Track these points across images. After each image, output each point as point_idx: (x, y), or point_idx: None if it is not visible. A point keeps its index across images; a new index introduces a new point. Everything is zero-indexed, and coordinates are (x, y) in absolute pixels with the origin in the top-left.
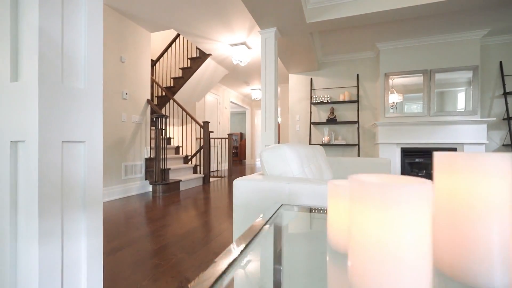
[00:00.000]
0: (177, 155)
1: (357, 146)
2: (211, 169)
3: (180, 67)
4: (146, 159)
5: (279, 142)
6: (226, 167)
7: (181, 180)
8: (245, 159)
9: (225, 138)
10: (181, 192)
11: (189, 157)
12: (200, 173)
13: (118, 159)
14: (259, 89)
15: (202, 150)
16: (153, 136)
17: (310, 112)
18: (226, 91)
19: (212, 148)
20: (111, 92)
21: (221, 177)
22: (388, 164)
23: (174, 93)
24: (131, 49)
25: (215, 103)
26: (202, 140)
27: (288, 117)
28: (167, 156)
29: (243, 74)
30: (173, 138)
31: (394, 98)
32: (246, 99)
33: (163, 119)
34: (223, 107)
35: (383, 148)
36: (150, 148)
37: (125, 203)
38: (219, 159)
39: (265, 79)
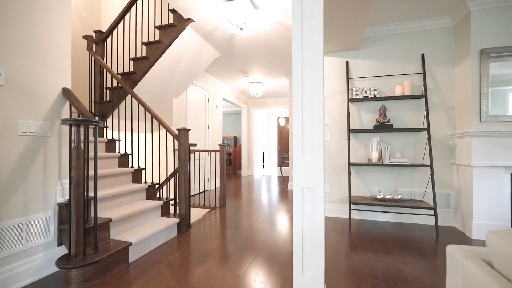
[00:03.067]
0: (135, 186)
1: (429, 168)
2: (194, 191)
3: (144, 41)
4: (61, 207)
5: (284, 158)
6: (217, 185)
7: (130, 244)
8: (240, 169)
9: (215, 151)
10: (131, 267)
11: (157, 186)
12: (174, 215)
13: None
14: (260, 82)
15: (177, 175)
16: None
17: (348, 113)
18: (216, 85)
19: (196, 162)
20: None
21: (209, 207)
22: None
23: (135, 82)
24: None
25: (202, 101)
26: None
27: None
28: (115, 190)
29: (242, 58)
30: (132, 155)
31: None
32: (242, 96)
33: (97, 127)
34: (213, 106)
35: (479, 173)
36: (71, 184)
37: None
38: (207, 175)
39: (301, 52)
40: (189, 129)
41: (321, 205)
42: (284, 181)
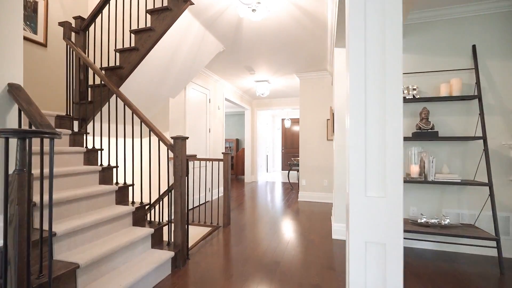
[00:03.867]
0: (119, 210)
1: (484, 186)
2: (194, 204)
3: (132, 29)
4: None
5: (292, 165)
6: (220, 194)
7: None
8: (243, 174)
9: (218, 160)
10: None
11: (148, 206)
12: (168, 245)
13: None
14: (266, 81)
15: (172, 193)
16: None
17: None
18: (219, 84)
19: (196, 170)
20: None
21: (211, 226)
22: None
23: (122, 78)
24: None
25: (203, 101)
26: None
27: (325, 126)
28: (90, 219)
29: (248, 52)
30: (117, 167)
31: None
32: (246, 96)
33: (53, 140)
34: (215, 107)
35: None
36: (8, 225)
37: None
38: (208, 184)
39: (363, 28)
40: (187, 138)
41: (399, 272)
42: (292, 189)
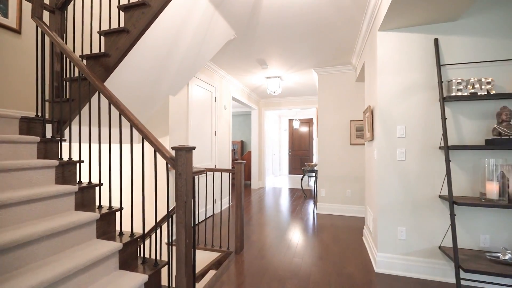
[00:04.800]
0: (100, 250)
1: None
2: (199, 219)
3: (121, 5)
4: None
5: (306, 170)
6: (227, 205)
7: None
8: (249, 179)
9: (229, 171)
10: None
11: (139, 240)
12: None
13: None
14: (279, 77)
15: (173, 218)
16: None
17: (444, 118)
18: (225, 81)
19: (201, 178)
20: None
21: (220, 251)
22: None
23: (108, 69)
24: None
25: (208, 100)
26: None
27: (348, 129)
28: (56, 271)
29: (264, 41)
30: (100, 186)
31: None
32: (253, 95)
33: None
34: (221, 107)
35: None
36: None
37: None
38: (213, 195)
39: None
40: (193, 148)
41: None
42: (305, 197)
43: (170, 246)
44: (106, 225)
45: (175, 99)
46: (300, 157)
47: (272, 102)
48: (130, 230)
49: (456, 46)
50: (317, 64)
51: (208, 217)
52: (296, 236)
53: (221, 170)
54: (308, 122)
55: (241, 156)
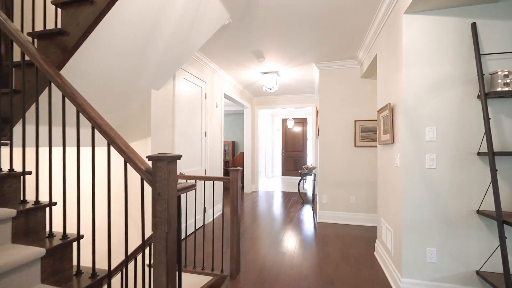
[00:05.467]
0: None
1: None
2: (186, 232)
3: None
4: None
5: (304, 174)
6: (222, 212)
7: None
8: (242, 182)
9: (221, 180)
10: None
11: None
12: None
13: None
14: (276, 73)
15: (152, 247)
16: None
17: (487, 118)
18: (217, 75)
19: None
20: None
21: (212, 274)
22: None
23: (67, 51)
24: None
25: (197, 96)
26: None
27: (352, 130)
28: None
29: (263, 29)
30: (51, 207)
31: None
32: (246, 92)
33: None
34: (212, 104)
35: None
36: None
37: None
38: (202, 204)
39: None
40: (179, 157)
41: None
42: (303, 203)
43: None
44: (58, 262)
45: (158, 94)
46: (294, 158)
47: (266, 100)
48: (91, 267)
49: (498, 32)
50: (319, 58)
51: (198, 229)
52: (299, 252)
53: (214, 179)
54: (302, 121)
55: (233, 158)
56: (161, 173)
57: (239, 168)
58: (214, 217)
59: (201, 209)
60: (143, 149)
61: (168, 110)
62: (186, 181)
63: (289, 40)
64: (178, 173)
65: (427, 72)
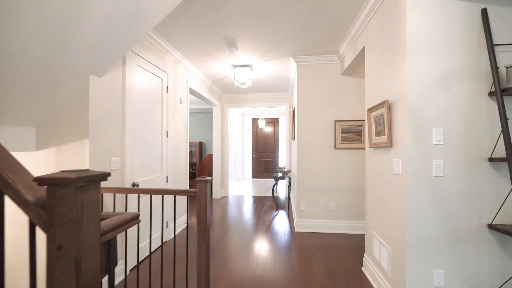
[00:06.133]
0: None
1: None
2: (139, 258)
3: None
4: None
5: (277, 178)
6: (187, 225)
7: None
8: (210, 187)
9: (185, 193)
10: None
11: None
12: None
13: None
14: (249, 66)
15: None
16: None
17: (505, 118)
18: (181, 66)
19: (142, 198)
20: None
21: None
22: None
23: None
24: None
25: (157, 89)
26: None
27: (332, 131)
28: None
29: (235, 10)
30: None
31: None
32: (216, 88)
33: None
34: (175, 99)
35: None
36: None
37: None
38: (163, 218)
39: None
40: (105, 175)
41: None
42: (277, 209)
43: None
44: None
45: (102, 82)
46: (265, 159)
47: (237, 98)
48: None
49: (508, 20)
50: (298, 51)
51: (155, 250)
52: (280, 274)
53: (175, 193)
54: (274, 122)
55: (200, 160)
56: (64, 208)
57: (208, 178)
58: (177, 232)
59: (159, 225)
60: (78, 154)
61: (116, 103)
62: (126, 209)
63: (266, 29)
64: (131, 184)
65: (434, 64)
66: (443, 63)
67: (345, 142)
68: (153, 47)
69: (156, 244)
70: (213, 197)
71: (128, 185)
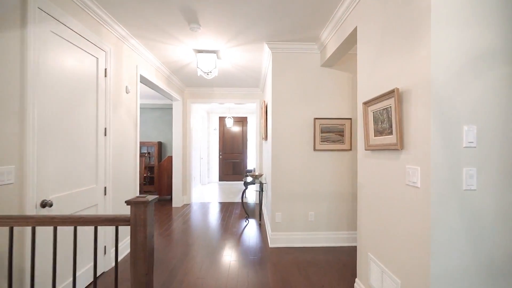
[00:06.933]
0: None
1: None
2: None
3: None
4: None
5: (247, 183)
6: (126, 255)
7: None
8: (169, 194)
9: (118, 224)
10: None
11: None
12: None
13: None
14: (215, 52)
15: None
16: None
17: None
18: (128, 46)
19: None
20: None
21: None
22: None
23: None
24: None
25: (89, 71)
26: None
27: (311, 130)
28: None
29: None
30: None
31: None
32: (176, 80)
33: None
34: (119, 87)
35: None
36: None
37: None
38: (103, 243)
39: None
40: None
41: None
42: (247, 218)
43: None
44: None
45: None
46: (233, 160)
47: (201, 93)
48: None
49: None
50: (273, 35)
51: (88, 285)
52: None
53: (95, 222)
54: (242, 120)
55: (159, 163)
56: None
57: (149, 197)
58: (119, 259)
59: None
60: None
61: (9, 86)
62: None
63: (236, 2)
64: (38, 204)
65: (466, 39)
66: (477, 39)
67: (325, 143)
68: (84, 13)
69: (88, 277)
70: (173, 205)
71: (31, 205)
